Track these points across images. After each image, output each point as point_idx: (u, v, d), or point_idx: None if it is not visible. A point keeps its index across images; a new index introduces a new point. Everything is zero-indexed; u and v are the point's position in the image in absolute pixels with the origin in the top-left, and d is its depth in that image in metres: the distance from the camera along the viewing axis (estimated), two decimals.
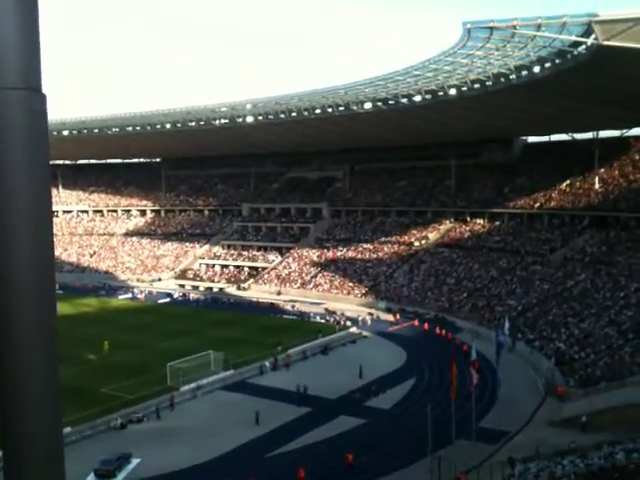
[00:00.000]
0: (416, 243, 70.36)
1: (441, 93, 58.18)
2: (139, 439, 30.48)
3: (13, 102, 2.13)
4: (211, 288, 75.70)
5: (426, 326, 52.23)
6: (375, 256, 71.50)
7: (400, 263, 68.12)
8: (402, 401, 35.77)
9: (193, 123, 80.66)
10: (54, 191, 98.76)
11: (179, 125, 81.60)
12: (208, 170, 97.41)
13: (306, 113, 71.05)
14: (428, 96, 59.81)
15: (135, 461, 28.05)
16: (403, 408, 34.75)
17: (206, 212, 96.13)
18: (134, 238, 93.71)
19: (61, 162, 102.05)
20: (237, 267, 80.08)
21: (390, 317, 56.26)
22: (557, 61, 43.60)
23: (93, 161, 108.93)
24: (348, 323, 54.57)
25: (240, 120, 76.99)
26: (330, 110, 68.70)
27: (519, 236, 64.24)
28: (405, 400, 35.92)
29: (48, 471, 2.29)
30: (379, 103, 64.41)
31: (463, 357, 39.31)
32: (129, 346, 46.79)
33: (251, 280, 75.61)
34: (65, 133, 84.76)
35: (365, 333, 51.61)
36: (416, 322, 53.79)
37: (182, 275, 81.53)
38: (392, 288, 64.14)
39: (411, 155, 78.38)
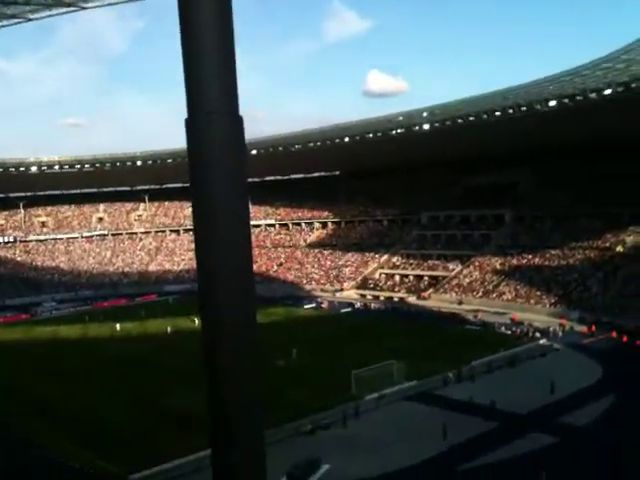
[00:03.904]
0: (617, 248, 64.68)
1: (634, 85, 53.44)
2: (326, 445, 31.24)
3: (216, 125, 2.31)
4: (391, 298, 76.10)
5: (625, 338, 47.86)
6: (565, 263, 67.15)
7: (593, 270, 63.27)
8: (599, 419, 32.94)
9: (370, 135, 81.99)
10: None
11: (357, 138, 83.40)
12: (385, 180, 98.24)
13: (485, 116, 69.02)
14: (620, 89, 55.22)
15: (324, 467, 28.77)
16: (600, 427, 32.02)
17: (385, 222, 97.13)
18: (317, 249, 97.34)
19: (250, 180, 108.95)
20: (417, 276, 79.72)
21: (584, 328, 52.42)
22: None
23: (278, 177, 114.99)
24: (537, 334, 51.72)
25: (416, 128, 76.87)
26: (511, 111, 66.07)
27: None
28: (603, 418, 33.05)
29: (252, 469, 2.43)
30: (565, 100, 60.70)
31: None
32: (314, 354, 48.46)
33: (431, 289, 74.80)
34: (254, 152, 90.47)
35: (556, 345, 48.49)
36: (614, 334, 49.52)
37: (363, 285, 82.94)
38: (585, 297, 59.73)
39: (602, 156, 72.29)
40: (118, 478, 27.72)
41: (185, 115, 2.32)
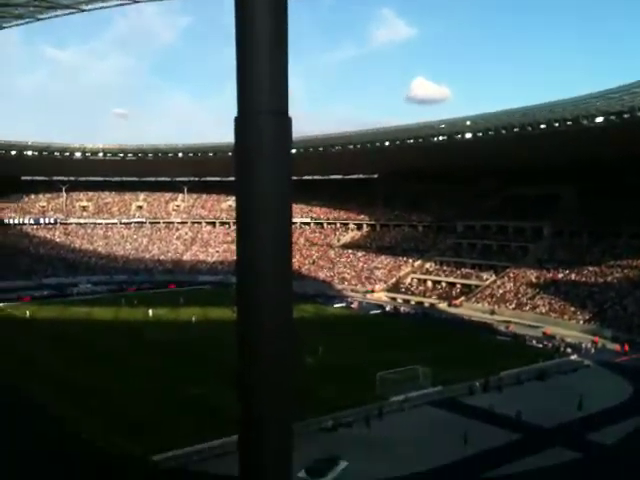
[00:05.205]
0: None
1: None
2: (347, 443, 31.26)
3: (265, 125, 2.36)
4: (422, 303, 75.65)
5: None
6: (602, 280, 65.84)
7: (631, 289, 61.91)
8: (627, 438, 32.27)
9: (411, 140, 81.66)
10: None
11: (398, 143, 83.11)
12: (424, 186, 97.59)
13: (530, 128, 68.08)
14: None
15: (343, 464, 28.81)
16: (628, 446, 31.37)
17: (420, 228, 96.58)
18: (350, 250, 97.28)
19: None
20: (449, 284, 79.08)
21: (617, 347, 51.38)
22: None
23: (316, 177, 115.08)
24: (568, 350, 50.86)
25: (459, 137, 76.24)
26: (557, 125, 65.00)
27: None
28: (630, 438, 32.35)
29: (278, 462, 2.48)
30: (612, 117, 59.56)
31: None
32: (341, 352, 48.45)
33: (463, 297, 74.12)
34: (293, 151, 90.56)
35: (587, 362, 47.63)
36: None
37: (394, 288, 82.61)
38: (620, 316, 58.49)
39: None
40: (141, 458, 28.18)
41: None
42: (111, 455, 28.27)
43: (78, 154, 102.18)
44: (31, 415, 34.08)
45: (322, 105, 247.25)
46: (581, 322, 60.02)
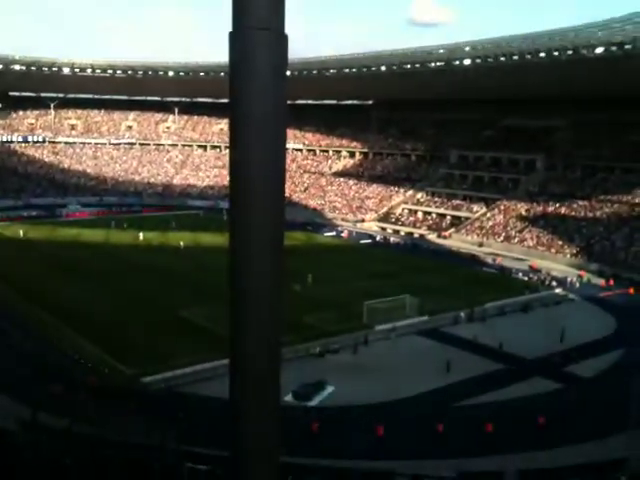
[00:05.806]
0: None
1: None
2: (334, 369, 32.07)
3: (261, 41, 2.26)
4: (412, 233, 76.09)
5: None
6: (591, 215, 66.27)
7: (620, 224, 62.41)
8: (606, 371, 33.31)
9: (408, 65, 79.71)
10: None
11: (394, 68, 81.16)
12: (418, 114, 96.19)
13: (529, 56, 66.49)
14: None
15: (329, 389, 29.67)
16: (606, 379, 32.39)
17: (413, 157, 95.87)
18: (342, 178, 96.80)
19: None
20: (440, 215, 79.33)
21: (602, 282, 52.25)
22: None
23: (309, 101, 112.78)
24: (553, 283, 51.68)
25: (457, 63, 74.48)
26: (556, 54, 63.49)
27: None
28: (610, 371, 33.39)
29: (267, 385, 2.49)
30: (613, 47, 58.15)
31: None
32: (330, 281, 48.92)
33: (453, 229, 74.52)
34: (287, 73, 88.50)
35: (571, 296, 48.55)
36: (631, 290, 49.30)
37: (384, 218, 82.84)
38: (607, 251, 59.20)
39: None
40: (131, 380, 28.78)
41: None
42: (102, 376, 28.86)
43: (67, 69, 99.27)
44: (24, 338, 34.45)
45: (319, 27, 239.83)
46: (568, 256, 60.75)
